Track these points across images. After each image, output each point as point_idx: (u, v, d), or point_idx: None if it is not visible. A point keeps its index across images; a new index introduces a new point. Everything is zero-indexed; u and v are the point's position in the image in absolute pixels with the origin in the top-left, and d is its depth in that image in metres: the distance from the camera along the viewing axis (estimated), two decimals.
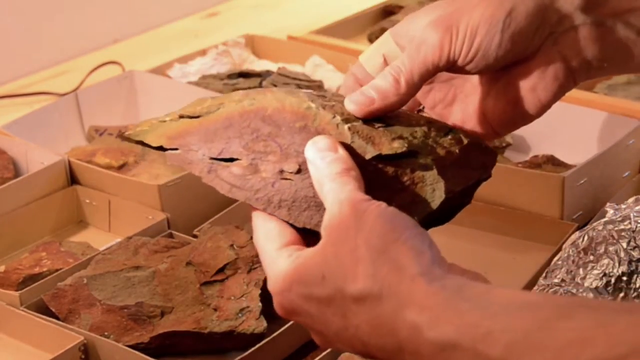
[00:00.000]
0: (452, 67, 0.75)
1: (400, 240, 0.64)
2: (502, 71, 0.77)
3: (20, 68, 1.54)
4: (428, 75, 0.74)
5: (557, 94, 0.77)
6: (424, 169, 0.72)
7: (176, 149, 0.76)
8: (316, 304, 0.64)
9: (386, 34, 0.77)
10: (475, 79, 0.79)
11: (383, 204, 0.66)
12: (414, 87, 0.74)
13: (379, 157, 0.72)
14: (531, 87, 0.76)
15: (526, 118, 0.78)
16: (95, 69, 1.47)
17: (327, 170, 0.68)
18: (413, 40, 0.75)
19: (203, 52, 1.48)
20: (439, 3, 0.77)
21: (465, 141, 0.76)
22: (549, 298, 0.62)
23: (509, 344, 0.58)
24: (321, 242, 0.65)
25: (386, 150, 0.72)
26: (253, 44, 1.53)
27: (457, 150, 0.74)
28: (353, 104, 0.73)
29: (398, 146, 0.72)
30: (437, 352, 0.60)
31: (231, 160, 0.74)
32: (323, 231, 0.65)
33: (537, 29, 0.75)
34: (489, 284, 0.63)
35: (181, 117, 0.77)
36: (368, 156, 0.71)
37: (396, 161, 0.71)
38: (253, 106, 0.75)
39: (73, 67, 1.54)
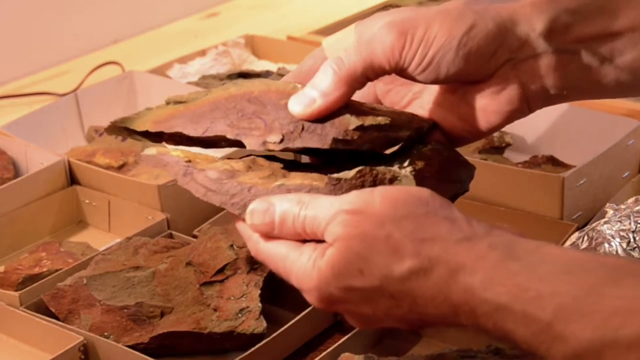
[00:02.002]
0: (401, 73, 0.73)
1: (430, 213, 0.65)
2: (457, 85, 0.75)
3: (20, 68, 1.54)
4: (373, 73, 0.72)
5: (509, 118, 0.75)
6: (403, 178, 0.72)
7: (161, 132, 0.76)
8: (359, 292, 0.65)
9: (351, 27, 0.76)
10: (432, 89, 0.77)
11: (387, 187, 0.67)
12: (356, 82, 0.72)
13: (361, 128, 0.71)
14: (483, 107, 0.75)
15: (473, 135, 0.77)
16: (95, 69, 1.47)
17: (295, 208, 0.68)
18: (365, 36, 0.73)
19: (203, 53, 1.48)
20: (401, 8, 0.76)
21: (445, 153, 0.76)
22: (596, 259, 0.62)
23: (557, 308, 0.59)
24: (342, 244, 0.65)
25: (369, 122, 0.72)
26: (253, 44, 1.53)
27: (436, 163, 0.74)
28: (296, 106, 0.72)
29: (382, 119, 0.72)
30: (491, 312, 0.61)
31: (214, 144, 0.74)
32: (338, 230, 0.65)
33: (494, 52, 0.72)
34: (536, 241, 0.63)
35: (167, 103, 0.77)
36: (351, 127, 0.71)
37: (375, 168, 0.71)
38: (240, 91, 0.75)
39: (73, 67, 1.54)
